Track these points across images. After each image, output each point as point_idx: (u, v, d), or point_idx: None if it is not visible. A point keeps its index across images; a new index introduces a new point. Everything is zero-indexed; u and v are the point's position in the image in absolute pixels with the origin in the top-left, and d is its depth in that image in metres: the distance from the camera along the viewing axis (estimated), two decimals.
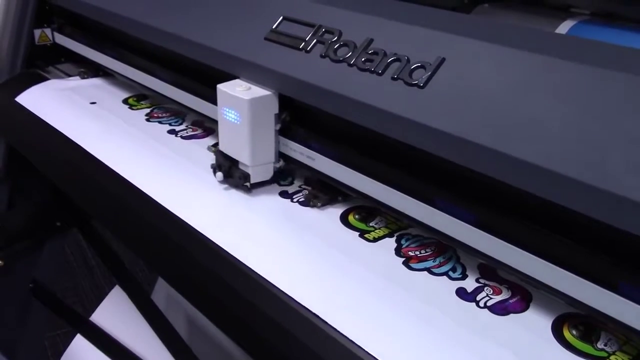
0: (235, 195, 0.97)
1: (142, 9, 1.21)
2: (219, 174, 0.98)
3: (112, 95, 1.42)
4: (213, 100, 0.99)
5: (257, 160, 0.94)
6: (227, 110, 0.93)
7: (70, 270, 2.96)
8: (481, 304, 0.72)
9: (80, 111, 1.34)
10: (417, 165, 0.78)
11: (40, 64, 1.60)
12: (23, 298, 1.79)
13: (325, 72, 0.84)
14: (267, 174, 0.97)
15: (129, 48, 1.35)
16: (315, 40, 0.87)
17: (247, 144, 0.92)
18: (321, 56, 0.85)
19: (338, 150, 0.89)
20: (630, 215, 0.55)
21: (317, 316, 0.72)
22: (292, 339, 0.72)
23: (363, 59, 0.80)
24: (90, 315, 1.73)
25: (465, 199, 0.74)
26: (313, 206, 0.93)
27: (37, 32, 1.58)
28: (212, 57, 1.01)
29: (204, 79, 1.10)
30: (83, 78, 1.52)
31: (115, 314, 1.71)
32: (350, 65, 0.81)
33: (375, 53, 0.80)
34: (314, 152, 0.92)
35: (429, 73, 0.73)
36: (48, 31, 1.60)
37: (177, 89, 1.19)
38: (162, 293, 1.81)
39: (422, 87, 0.73)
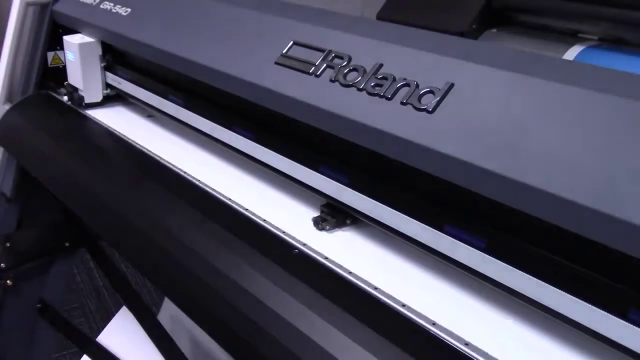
0: None
1: (153, 33, 1.23)
2: (65, 97, 1.49)
3: (123, 116, 1.43)
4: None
5: (88, 87, 1.44)
6: (69, 52, 1.45)
7: (78, 290, 2.96)
8: None
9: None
10: (424, 190, 0.79)
11: (52, 85, 1.62)
12: (30, 318, 1.79)
13: (335, 96, 0.84)
14: (98, 98, 1.47)
15: (139, 70, 1.37)
16: (325, 65, 0.88)
17: (79, 75, 1.43)
18: (331, 80, 0.86)
19: (142, 79, 1.35)
20: (638, 242, 0.55)
21: (320, 341, 0.72)
22: None
23: (372, 84, 0.81)
24: (96, 336, 1.73)
25: (473, 224, 0.74)
26: (322, 229, 0.93)
27: (50, 55, 1.60)
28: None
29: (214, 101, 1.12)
30: None
31: (122, 334, 1.71)
32: (359, 89, 0.82)
33: (384, 78, 0.80)
34: (122, 80, 1.41)
35: (438, 98, 0.74)
36: (61, 53, 1.62)
37: (188, 110, 1.21)
38: (169, 314, 1.81)
39: (431, 112, 0.74)
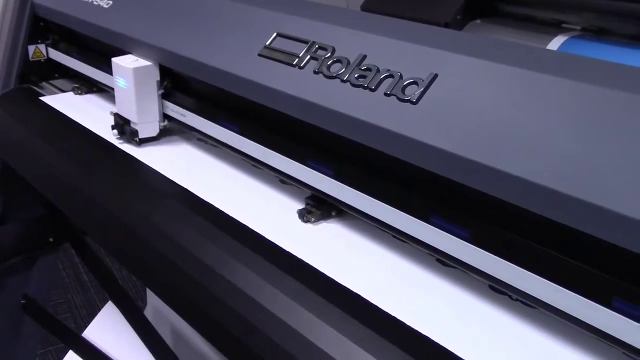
0: None
1: (142, 26, 1.21)
2: (115, 131, 1.23)
3: (105, 111, 1.42)
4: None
5: (143, 119, 1.19)
6: (119, 78, 1.19)
7: (63, 285, 2.94)
8: None
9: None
10: (411, 182, 0.79)
11: (34, 79, 1.60)
12: (15, 314, 1.77)
13: (318, 88, 0.84)
14: (153, 131, 1.21)
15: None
16: (308, 57, 0.88)
17: (133, 105, 1.17)
18: (314, 72, 0.86)
19: (209, 111, 1.11)
20: (621, 231, 0.55)
21: (310, 336, 0.72)
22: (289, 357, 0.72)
23: (356, 75, 0.81)
24: (82, 331, 1.72)
25: (458, 214, 0.74)
26: (307, 221, 0.93)
27: (32, 48, 1.58)
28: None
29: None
30: (77, 94, 1.52)
31: (108, 330, 1.70)
32: (343, 81, 0.82)
33: (368, 69, 0.80)
34: (186, 110, 1.15)
35: (422, 89, 0.74)
36: (42, 47, 1.60)
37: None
38: (155, 309, 1.80)
39: (414, 103, 0.73)
